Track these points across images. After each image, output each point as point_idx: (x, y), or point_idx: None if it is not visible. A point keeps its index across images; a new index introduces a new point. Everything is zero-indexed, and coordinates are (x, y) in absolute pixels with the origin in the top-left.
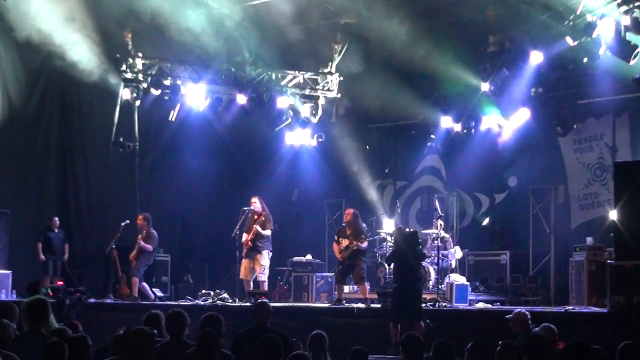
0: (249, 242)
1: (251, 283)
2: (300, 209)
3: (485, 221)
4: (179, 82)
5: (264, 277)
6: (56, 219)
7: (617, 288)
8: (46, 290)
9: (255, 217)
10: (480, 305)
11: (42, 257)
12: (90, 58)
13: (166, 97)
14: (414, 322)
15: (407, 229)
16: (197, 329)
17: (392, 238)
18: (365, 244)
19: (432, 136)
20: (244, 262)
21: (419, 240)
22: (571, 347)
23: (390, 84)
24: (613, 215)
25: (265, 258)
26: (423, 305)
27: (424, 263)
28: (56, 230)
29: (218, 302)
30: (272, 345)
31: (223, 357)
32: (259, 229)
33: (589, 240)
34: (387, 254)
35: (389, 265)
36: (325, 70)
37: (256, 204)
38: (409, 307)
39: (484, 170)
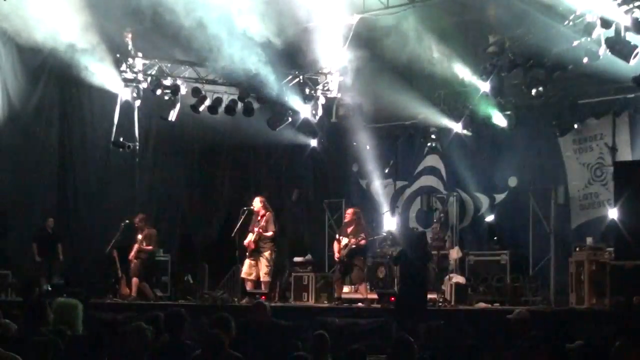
0: (252, 244)
1: (252, 283)
2: (300, 209)
3: (490, 217)
4: (179, 82)
5: (267, 277)
6: (51, 219)
7: (617, 288)
8: (47, 288)
9: (258, 218)
10: (480, 305)
11: (38, 257)
12: (90, 58)
13: (166, 97)
14: (417, 323)
15: (415, 230)
16: (206, 330)
17: (400, 239)
18: (364, 242)
19: (433, 136)
20: (247, 261)
21: (427, 241)
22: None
23: (390, 84)
24: (613, 215)
25: (268, 258)
26: None
27: None
28: (50, 231)
29: (218, 302)
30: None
31: (230, 358)
32: (261, 231)
33: (589, 240)
34: (392, 254)
35: (395, 265)
36: (325, 70)
37: (259, 204)
38: (414, 308)
39: (484, 170)
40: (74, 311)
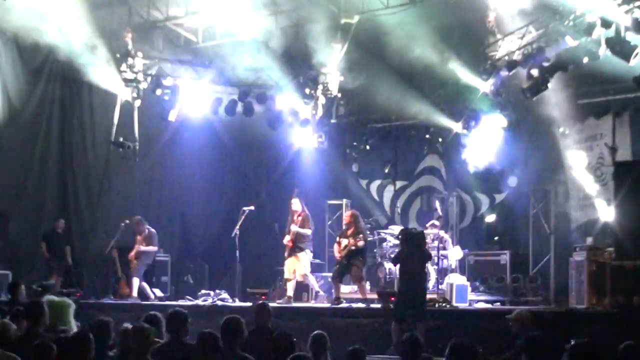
0: (290, 243)
1: (294, 282)
2: None
3: (491, 218)
4: (179, 82)
5: (302, 278)
6: (62, 220)
7: (617, 288)
8: (35, 289)
9: (295, 217)
10: (480, 305)
11: (47, 255)
12: (90, 58)
13: (166, 97)
14: (417, 322)
15: (414, 230)
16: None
17: (400, 238)
18: (361, 243)
19: (433, 136)
20: (287, 262)
21: (427, 241)
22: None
23: (390, 83)
24: (613, 215)
25: (305, 258)
26: None
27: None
28: (60, 232)
29: (218, 302)
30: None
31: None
32: (298, 228)
33: (589, 240)
34: (391, 254)
35: (395, 265)
36: (325, 70)
37: (296, 204)
38: (414, 308)
39: (484, 170)
40: (66, 310)
